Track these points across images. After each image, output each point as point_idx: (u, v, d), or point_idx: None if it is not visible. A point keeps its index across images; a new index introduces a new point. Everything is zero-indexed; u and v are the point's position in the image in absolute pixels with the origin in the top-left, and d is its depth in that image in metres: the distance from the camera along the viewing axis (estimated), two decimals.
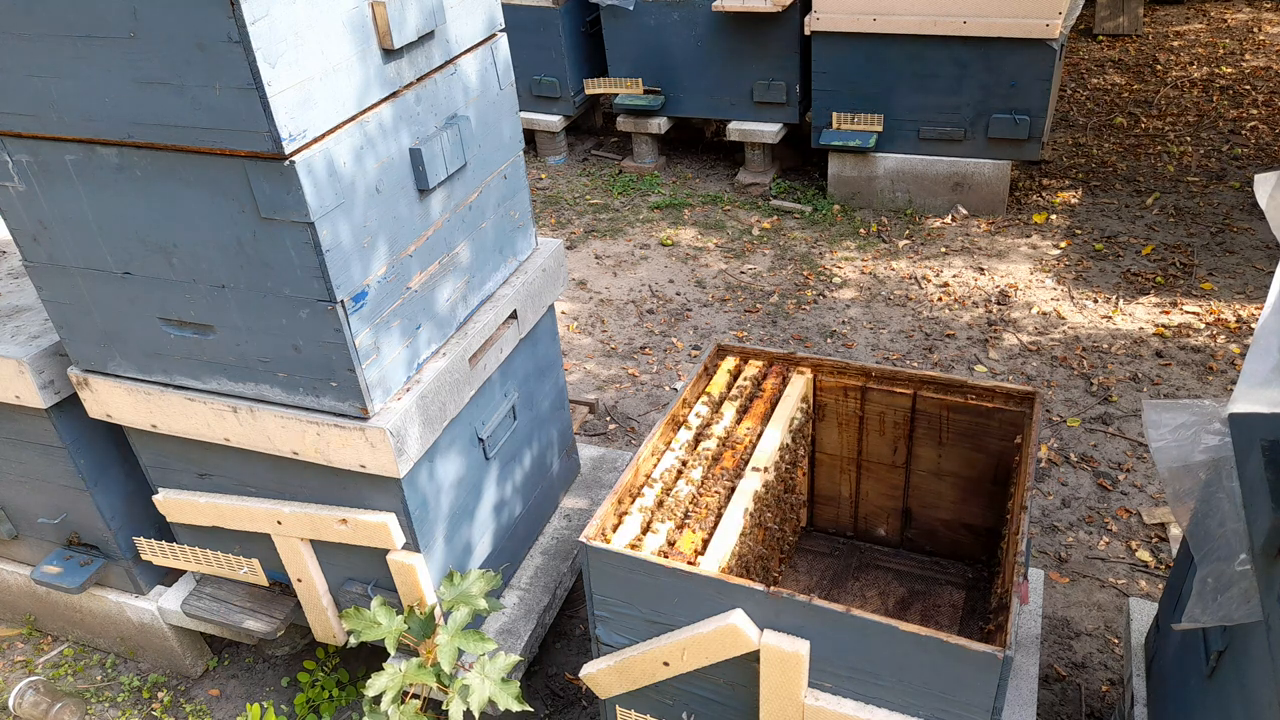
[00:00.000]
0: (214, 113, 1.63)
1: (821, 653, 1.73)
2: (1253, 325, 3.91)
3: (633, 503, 2.02)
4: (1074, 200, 4.99)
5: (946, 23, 4.41)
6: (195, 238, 1.83)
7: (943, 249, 4.67)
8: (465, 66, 2.07)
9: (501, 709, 2.05)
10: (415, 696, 2.14)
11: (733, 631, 1.76)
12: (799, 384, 2.36)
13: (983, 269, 4.49)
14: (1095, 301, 4.18)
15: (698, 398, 2.32)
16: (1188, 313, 4.05)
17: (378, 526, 2.09)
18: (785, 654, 1.73)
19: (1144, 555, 2.97)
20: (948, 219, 4.90)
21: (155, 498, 2.33)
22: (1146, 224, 4.73)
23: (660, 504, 2.02)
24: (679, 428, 2.23)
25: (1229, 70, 6.33)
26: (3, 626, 2.99)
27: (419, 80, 1.93)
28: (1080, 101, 6.12)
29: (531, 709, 2.48)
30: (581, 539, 1.88)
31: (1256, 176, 1.54)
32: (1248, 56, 6.52)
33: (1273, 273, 3.53)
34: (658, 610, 1.87)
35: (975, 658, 1.59)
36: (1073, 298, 4.22)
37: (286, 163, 1.64)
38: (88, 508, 2.44)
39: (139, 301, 1.98)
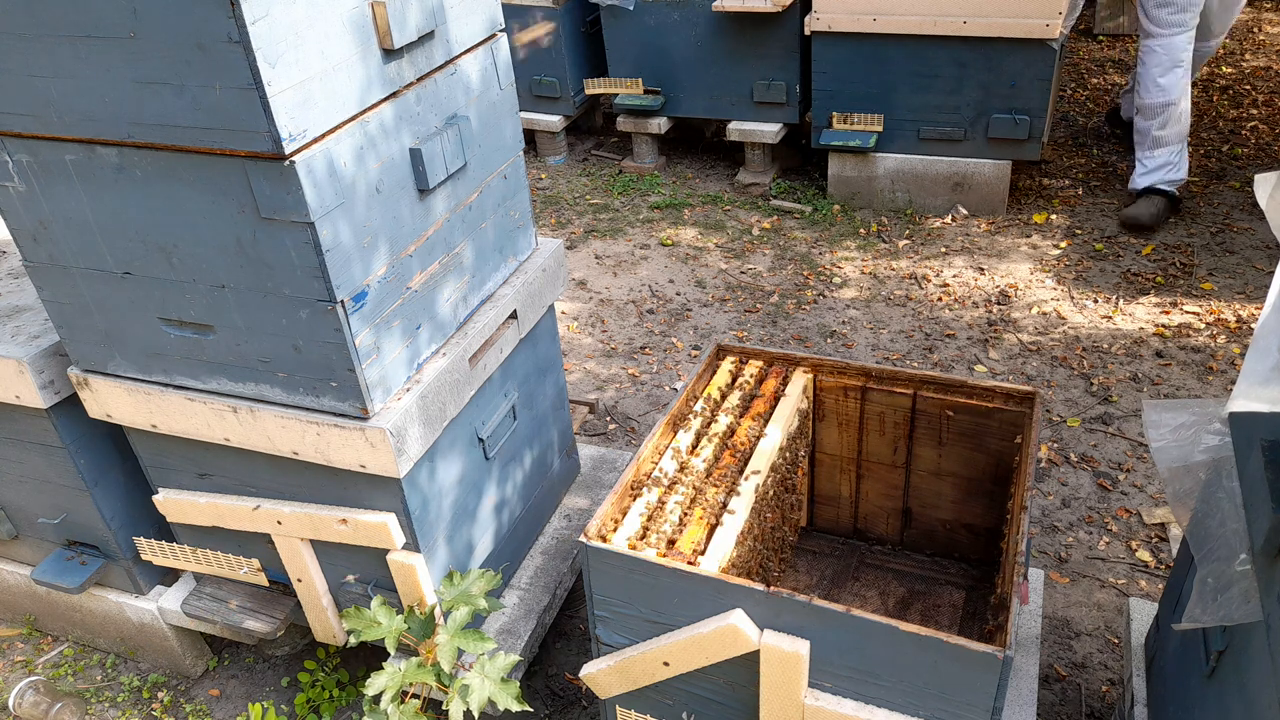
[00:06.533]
0: (214, 113, 1.63)
1: (821, 653, 1.73)
2: (1253, 325, 3.91)
3: (632, 502, 2.02)
4: (1074, 200, 4.99)
5: (946, 23, 4.41)
6: (195, 238, 1.83)
7: (943, 249, 4.67)
8: (465, 66, 2.07)
9: (501, 709, 2.05)
10: (415, 696, 2.14)
11: (733, 631, 1.76)
12: (799, 384, 2.36)
13: (983, 269, 4.49)
14: (1095, 301, 4.18)
15: (698, 398, 2.32)
16: (1188, 313, 4.05)
17: (378, 526, 2.09)
18: (785, 654, 1.73)
19: (1144, 555, 2.97)
20: (948, 219, 4.90)
21: (155, 498, 2.33)
22: None
23: (660, 504, 2.02)
24: (679, 428, 2.23)
25: (1229, 70, 6.33)
26: (3, 626, 2.99)
27: (419, 80, 1.93)
28: (1080, 101, 6.12)
29: (531, 709, 2.48)
30: (581, 539, 1.88)
31: (1256, 176, 1.53)
32: (1248, 56, 6.52)
33: (1273, 273, 3.53)
34: (658, 610, 1.87)
35: (975, 658, 1.59)
36: (1073, 298, 4.22)
37: (286, 163, 1.64)
38: (88, 508, 2.44)
39: (139, 301, 1.98)
